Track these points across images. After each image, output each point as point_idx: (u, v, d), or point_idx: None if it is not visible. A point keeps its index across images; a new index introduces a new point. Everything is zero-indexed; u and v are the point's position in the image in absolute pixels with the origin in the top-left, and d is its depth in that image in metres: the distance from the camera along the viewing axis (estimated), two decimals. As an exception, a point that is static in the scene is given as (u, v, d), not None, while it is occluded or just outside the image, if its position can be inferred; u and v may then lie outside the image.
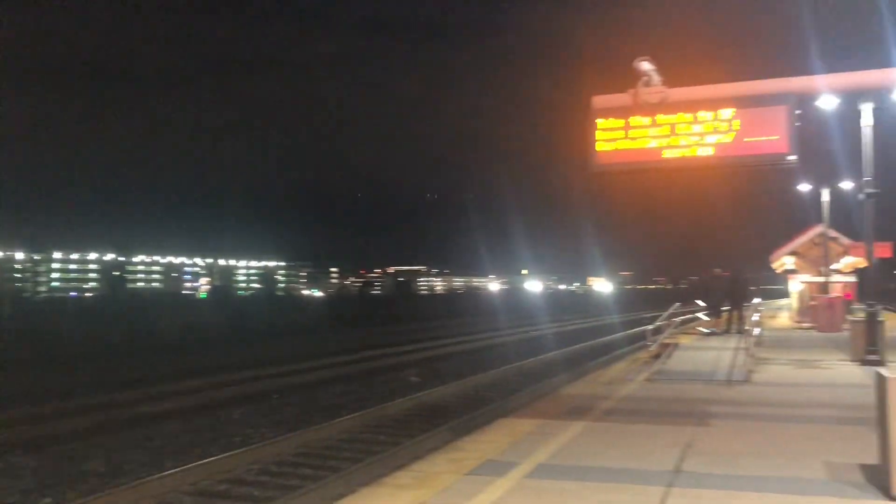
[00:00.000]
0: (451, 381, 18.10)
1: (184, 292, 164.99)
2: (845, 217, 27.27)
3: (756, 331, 16.10)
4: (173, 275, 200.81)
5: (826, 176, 27.19)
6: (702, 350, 17.47)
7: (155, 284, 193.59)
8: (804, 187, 28.73)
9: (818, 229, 28.06)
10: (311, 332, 40.00)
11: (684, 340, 19.99)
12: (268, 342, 32.83)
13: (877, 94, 9.77)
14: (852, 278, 29.22)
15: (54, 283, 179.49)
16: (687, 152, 7.33)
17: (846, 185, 26.47)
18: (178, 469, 9.43)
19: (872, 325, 14.32)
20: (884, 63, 9.96)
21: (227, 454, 10.27)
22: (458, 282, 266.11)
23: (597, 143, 7.58)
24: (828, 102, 7.48)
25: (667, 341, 16.67)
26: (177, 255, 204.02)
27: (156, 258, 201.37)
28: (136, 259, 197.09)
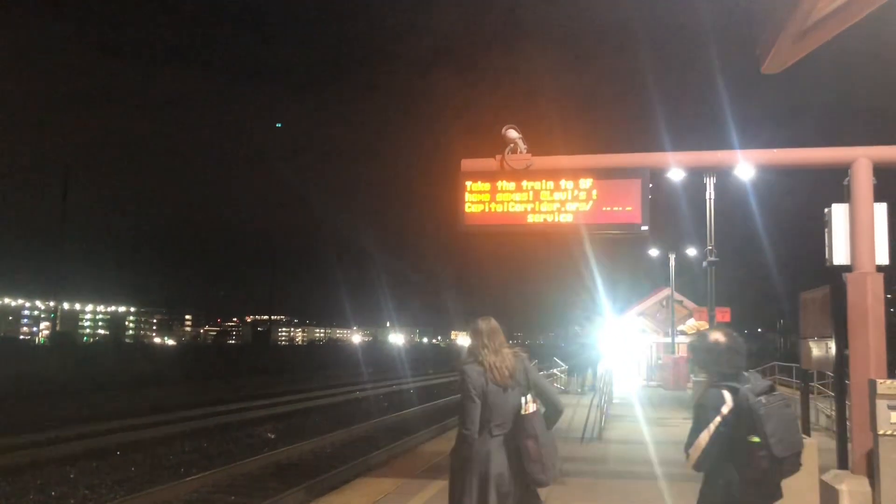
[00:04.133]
0: (309, 437, 17.61)
1: (21, 337, 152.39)
2: (690, 281, 29.23)
3: (609, 389, 16.78)
4: (9, 318, 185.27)
5: (674, 243, 29.11)
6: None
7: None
8: (654, 253, 30.59)
9: (665, 292, 29.89)
10: (161, 383, 37.87)
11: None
12: (113, 393, 30.79)
13: (719, 172, 10.60)
14: (695, 340, 31.22)
15: None
16: (549, 218, 7.67)
17: (691, 251, 28.42)
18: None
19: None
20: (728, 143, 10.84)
21: (60, 518, 9.46)
22: (320, 333, 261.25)
23: (466, 205, 7.78)
24: (677, 176, 8.05)
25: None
26: (13, 296, 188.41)
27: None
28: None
